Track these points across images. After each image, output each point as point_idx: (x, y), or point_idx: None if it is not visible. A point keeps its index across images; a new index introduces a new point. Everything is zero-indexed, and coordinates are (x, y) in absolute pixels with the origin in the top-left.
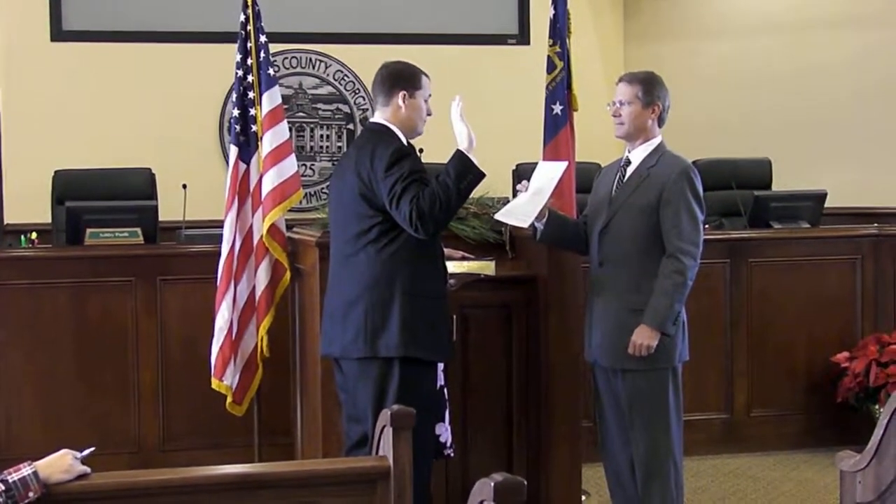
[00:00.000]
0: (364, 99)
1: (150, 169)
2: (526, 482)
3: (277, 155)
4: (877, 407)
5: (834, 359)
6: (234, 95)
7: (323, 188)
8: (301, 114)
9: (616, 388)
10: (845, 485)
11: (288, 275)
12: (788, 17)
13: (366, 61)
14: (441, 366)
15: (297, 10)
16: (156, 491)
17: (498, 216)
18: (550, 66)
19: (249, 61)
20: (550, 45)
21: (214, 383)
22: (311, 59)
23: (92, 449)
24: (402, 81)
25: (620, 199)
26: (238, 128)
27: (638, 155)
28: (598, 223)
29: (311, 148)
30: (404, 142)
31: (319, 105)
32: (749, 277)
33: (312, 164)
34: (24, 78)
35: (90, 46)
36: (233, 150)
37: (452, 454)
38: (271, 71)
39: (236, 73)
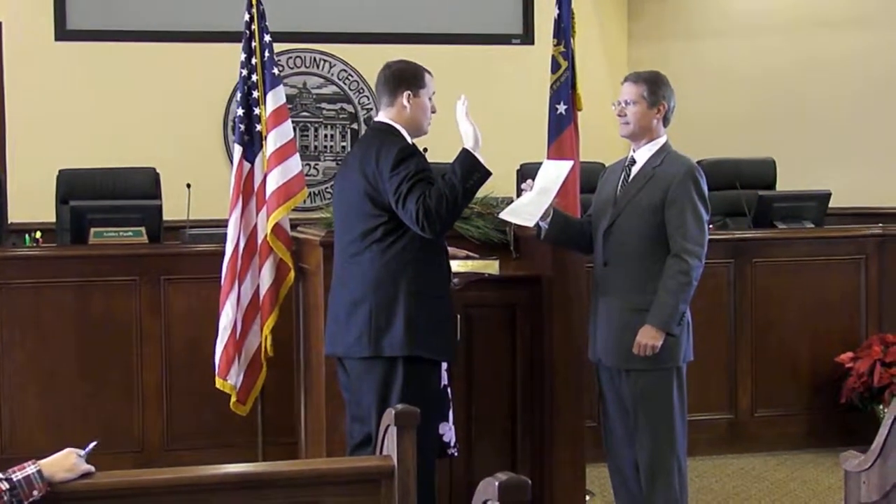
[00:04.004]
0: (368, 98)
1: (154, 168)
2: (530, 482)
3: (282, 154)
4: (881, 407)
5: (838, 359)
6: (238, 95)
7: (327, 188)
8: (305, 113)
9: (620, 388)
10: (850, 485)
11: (292, 274)
12: (792, 15)
13: (370, 61)
14: (444, 365)
15: (302, 10)
16: (159, 490)
17: (502, 215)
18: (555, 66)
19: (254, 61)
20: (555, 45)
21: (218, 383)
22: (315, 59)
23: (95, 443)
24: (407, 81)
25: (625, 198)
26: (242, 127)
27: (643, 155)
28: (603, 223)
29: (316, 147)
30: (409, 141)
31: (323, 105)
32: (753, 277)
33: (316, 164)
34: (29, 77)
35: (94, 46)
36: (237, 150)
37: (456, 454)
38: (275, 70)
39: (241, 73)
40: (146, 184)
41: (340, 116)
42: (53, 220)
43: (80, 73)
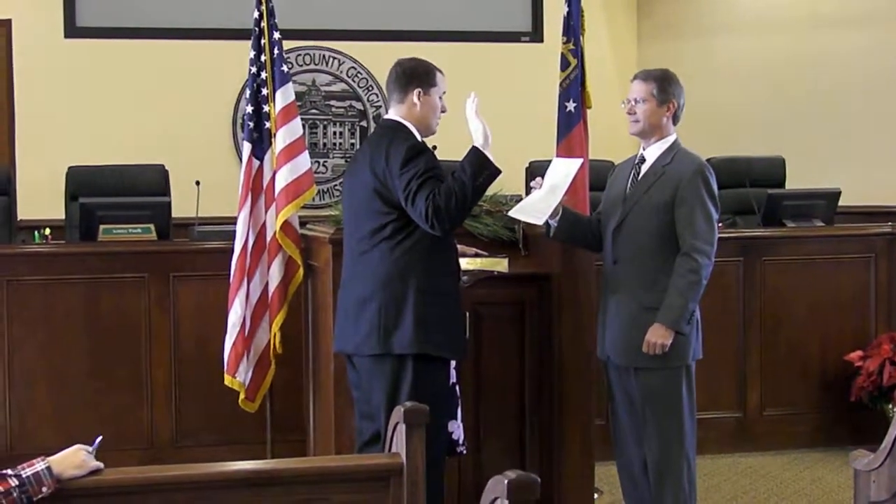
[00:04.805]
0: (377, 96)
1: (163, 165)
2: (539, 479)
3: (291, 152)
4: (890, 406)
5: (847, 357)
6: (247, 92)
7: (336, 185)
8: (314, 111)
9: (629, 386)
10: (859, 484)
11: (301, 271)
12: (802, 13)
13: (379, 58)
14: (453, 362)
15: (311, 7)
16: (168, 487)
17: (512, 213)
18: (564, 64)
19: (263, 58)
20: (564, 43)
21: (227, 380)
22: (324, 56)
23: (100, 438)
24: (417, 79)
25: (635, 197)
26: (251, 124)
27: (652, 153)
28: (613, 221)
29: (325, 145)
30: (419, 139)
31: (332, 102)
32: (762, 276)
33: (325, 161)
34: (38, 74)
35: (104, 43)
36: (246, 147)
37: (465, 451)
38: (285, 68)
39: (250, 70)
40: (155, 181)
41: (349, 114)
42: (63, 217)
43: (90, 70)
